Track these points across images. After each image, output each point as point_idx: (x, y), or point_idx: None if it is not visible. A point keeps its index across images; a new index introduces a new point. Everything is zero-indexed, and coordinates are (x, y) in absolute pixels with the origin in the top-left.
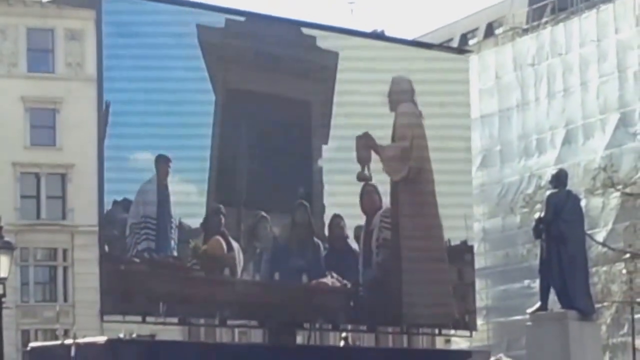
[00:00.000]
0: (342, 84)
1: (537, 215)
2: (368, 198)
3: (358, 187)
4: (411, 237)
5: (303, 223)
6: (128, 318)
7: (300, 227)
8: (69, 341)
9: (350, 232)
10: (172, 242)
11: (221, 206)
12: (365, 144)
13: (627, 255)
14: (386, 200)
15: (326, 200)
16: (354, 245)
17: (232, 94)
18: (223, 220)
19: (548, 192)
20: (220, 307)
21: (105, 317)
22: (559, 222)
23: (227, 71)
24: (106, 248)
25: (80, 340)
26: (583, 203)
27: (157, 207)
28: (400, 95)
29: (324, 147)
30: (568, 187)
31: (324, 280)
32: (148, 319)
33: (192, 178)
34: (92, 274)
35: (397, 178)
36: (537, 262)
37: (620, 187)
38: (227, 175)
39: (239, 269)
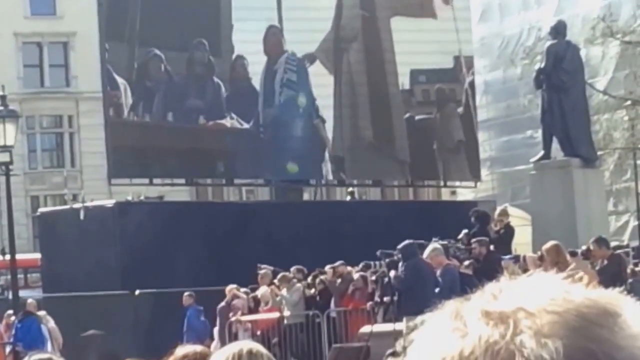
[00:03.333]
0: None
1: (537, 66)
2: (272, 39)
3: (264, 28)
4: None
5: (202, 62)
6: (135, 181)
7: (199, 66)
8: (77, 205)
9: (253, 73)
10: None
11: (105, 44)
12: None
13: (628, 102)
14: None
15: (235, 40)
16: (257, 86)
17: None
18: (106, 56)
19: (548, 43)
20: None
21: (113, 181)
22: (560, 72)
23: None
24: (111, 112)
25: (88, 204)
26: (583, 53)
27: None
28: None
29: None
30: (567, 38)
31: (223, 121)
32: (155, 180)
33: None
34: (98, 139)
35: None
36: (538, 112)
37: (619, 35)
38: (118, 9)
39: (126, 109)
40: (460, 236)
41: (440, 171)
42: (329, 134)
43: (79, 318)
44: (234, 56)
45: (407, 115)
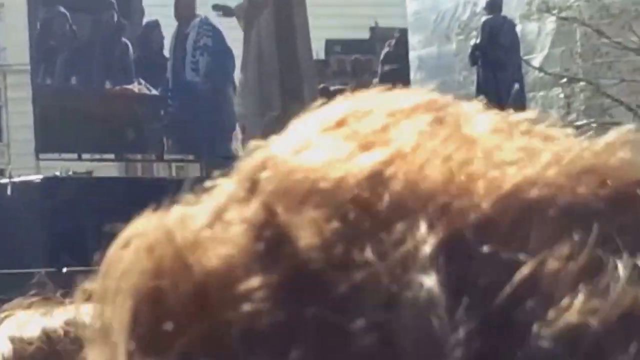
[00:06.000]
0: None
1: (473, 42)
2: (183, 2)
3: None
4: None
5: (110, 23)
6: (64, 156)
7: (107, 28)
8: (4, 180)
9: (165, 38)
10: None
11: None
12: None
13: (564, 80)
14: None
15: (145, 3)
16: (167, 51)
17: None
18: (37, 26)
19: (483, 18)
20: None
21: (41, 155)
22: (495, 48)
23: None
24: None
25: (16, 179)
26: (518, 28)
27: None
28: None
29: None
30: (503, 13)
31: (130, 87)
32: (84, 156)
33: None
34: (26, 113)
35: None
36: (474, 88)
37: (555, 11)
38: None
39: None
40: None
41: None
42: (236, 103)
43: (3, 296)
44: (144, 20)
45: (322, 85)
